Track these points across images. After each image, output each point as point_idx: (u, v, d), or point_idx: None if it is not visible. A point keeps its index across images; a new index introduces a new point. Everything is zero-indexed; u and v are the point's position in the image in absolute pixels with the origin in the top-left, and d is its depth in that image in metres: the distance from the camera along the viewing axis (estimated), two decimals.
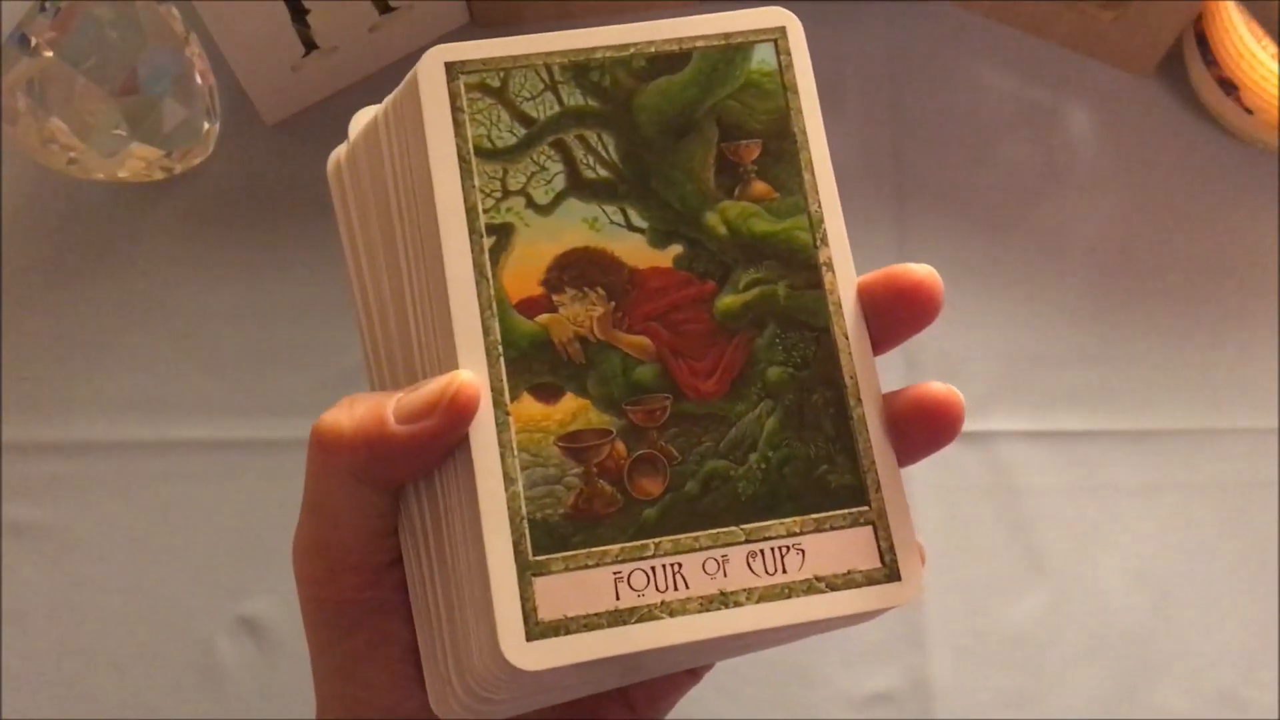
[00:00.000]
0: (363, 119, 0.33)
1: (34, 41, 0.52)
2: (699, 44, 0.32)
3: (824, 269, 0.31)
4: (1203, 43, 0.58)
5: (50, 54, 0.52)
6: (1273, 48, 0.55)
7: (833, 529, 0.29)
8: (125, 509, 0.55)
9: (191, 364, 0.57)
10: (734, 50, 0.32)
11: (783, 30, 0.32)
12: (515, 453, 0.29)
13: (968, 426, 0.55)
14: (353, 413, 0.30)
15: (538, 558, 0.28)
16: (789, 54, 0.32)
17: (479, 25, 0.62)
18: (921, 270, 0.30)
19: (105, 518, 0.54)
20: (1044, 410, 0.56)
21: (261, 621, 0.53)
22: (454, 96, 0.30)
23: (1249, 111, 0.58)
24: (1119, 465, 0.56)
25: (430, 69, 0.31)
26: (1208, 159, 0.61)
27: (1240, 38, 0.56)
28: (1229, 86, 0.58)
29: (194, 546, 0.54)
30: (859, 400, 0.30)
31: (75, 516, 0.54)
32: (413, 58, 0.63)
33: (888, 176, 0.60)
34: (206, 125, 0.57)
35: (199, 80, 0.56)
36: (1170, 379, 0.57)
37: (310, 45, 0.58)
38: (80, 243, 0.59)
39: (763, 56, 0.32)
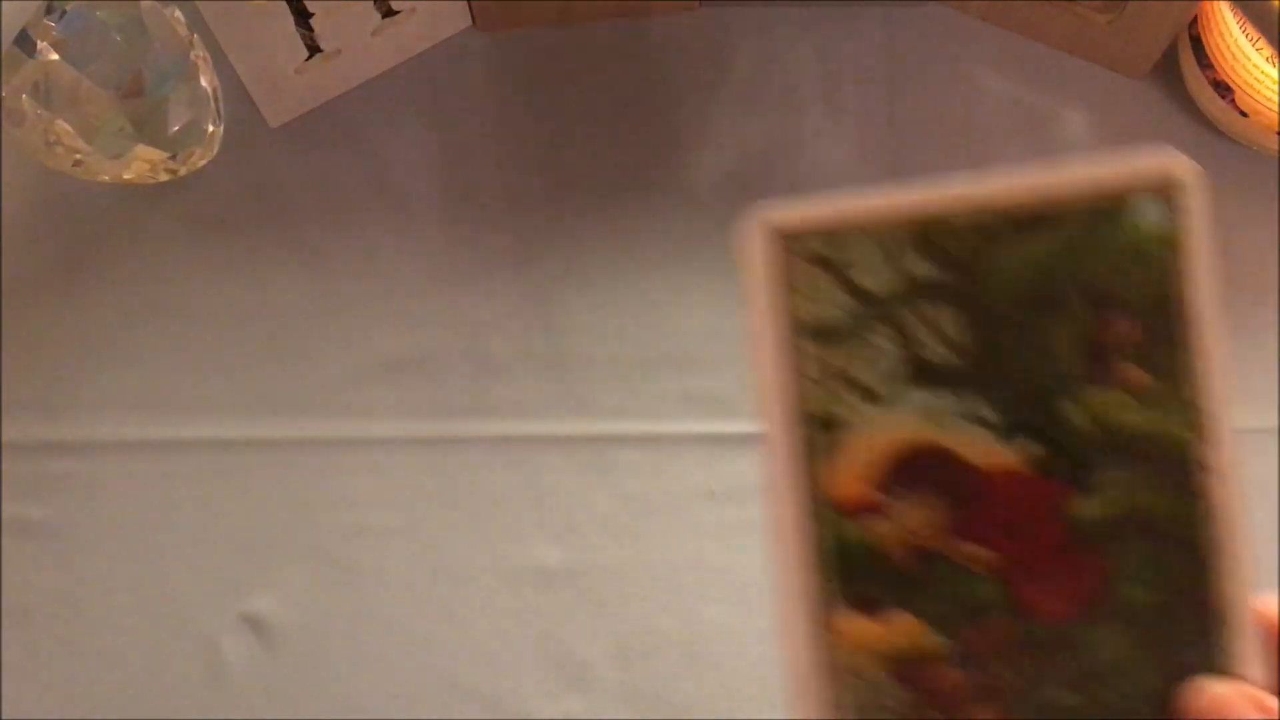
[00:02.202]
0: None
1: (39, 44, 0.52)
2: (1069, 200, 0.27)
3: (1208, 475, 0.27)
4: (1197, 46, 0.59)
5: (55, 56, 0.52)
6: (1268, 50, 0.55)
7: None
8: (127, 508, 0.55)
9: (194, 364, 0.57)
10: (1113, 207, 0.27)
11: (1177, 184, 0.27)
12: (838, 674, 0.25)
13: None
14: None
15: None
16: (1183, 211, 0.27)
17: (481, 28, 0.62)
18: None
19: (107, 517, 0.55)
20: None
21: (265, 619, 0.53)
22: (780, 266, 0.27)
23: (1244, 114, 0.58)
24: None
25: (757, 235, 0.27)
26: (1203, 162, 0.59)
27: (1235, 41, 0.56)
28: (1224, 89, 0.58)
29: (196, 545, 0.54)
30: (1237, 634, 0.26)
31: (76, 516, 0.55)
32: (415, 61, 0.63)
33: (884, 179, 0.60)
34: (210, 127, 0.57)
35: (203, 83, 0.56)
36: None
37: (313, 48, 0.58)
38: (84, 244, 0.59)
39: (1149, 215, 0.27)
